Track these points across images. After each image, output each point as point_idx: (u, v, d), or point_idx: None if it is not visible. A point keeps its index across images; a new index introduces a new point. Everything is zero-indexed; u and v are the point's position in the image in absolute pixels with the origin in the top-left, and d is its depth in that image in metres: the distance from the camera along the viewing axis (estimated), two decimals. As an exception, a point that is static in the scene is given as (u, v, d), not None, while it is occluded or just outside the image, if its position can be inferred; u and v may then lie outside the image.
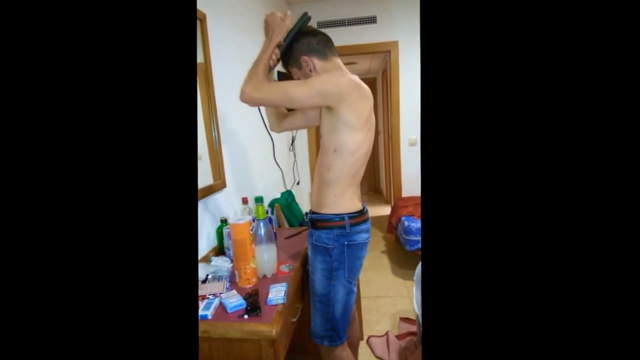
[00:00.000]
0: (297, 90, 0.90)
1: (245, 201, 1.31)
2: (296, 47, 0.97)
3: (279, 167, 1.37)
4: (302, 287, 1.13)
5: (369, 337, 1.67)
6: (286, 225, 1.89)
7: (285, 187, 1.57)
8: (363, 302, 1.92)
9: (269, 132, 1.19)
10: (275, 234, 1.26)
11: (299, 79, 1.01)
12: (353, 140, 0.94)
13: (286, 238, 1.39)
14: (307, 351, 1.47)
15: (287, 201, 1.87)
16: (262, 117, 1.16)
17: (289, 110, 1.18)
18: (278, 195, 1.99)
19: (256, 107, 1.06)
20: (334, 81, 0.90)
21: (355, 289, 1.04)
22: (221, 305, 0.89)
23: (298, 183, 1.65)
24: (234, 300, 0.88)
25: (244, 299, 0.89)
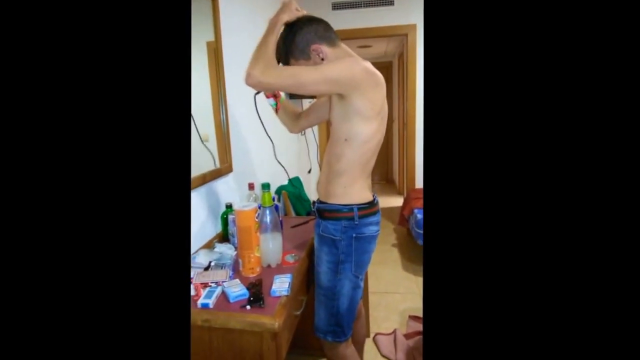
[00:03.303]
0: (309, 76, 0.85)
1: (251, 187, 1.27)
2: (301, 37, 0.91)
3: (281, 164, 1.32)
4: (307, 279, 1.09)
5: (375, 335, 1.62)
6: (293, 213, 1.86)
7: (289, 177, 1.53)
8: (371, 297, 1.86)
9: (267, 133, 1.13)
10: (281, 222, 1.22)
11: None
12: (366, 129, 0.89)
13: (292, 227, 1.36)
14: (311, 346, 1.44)
15: (293, 187, 1.83)
16: (258, 115, 1.08)
17: (296, 97, 1.11)
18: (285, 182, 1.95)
19: (252, 100, 1.01)
20: (349, 68, 0.85)
21: (362, 284, 1.00)
22: (223, 294, 0.87)
23: (309, 171, 1.60)
24: (237, 290, 0.86)
25: (247, 288, 0.86)
